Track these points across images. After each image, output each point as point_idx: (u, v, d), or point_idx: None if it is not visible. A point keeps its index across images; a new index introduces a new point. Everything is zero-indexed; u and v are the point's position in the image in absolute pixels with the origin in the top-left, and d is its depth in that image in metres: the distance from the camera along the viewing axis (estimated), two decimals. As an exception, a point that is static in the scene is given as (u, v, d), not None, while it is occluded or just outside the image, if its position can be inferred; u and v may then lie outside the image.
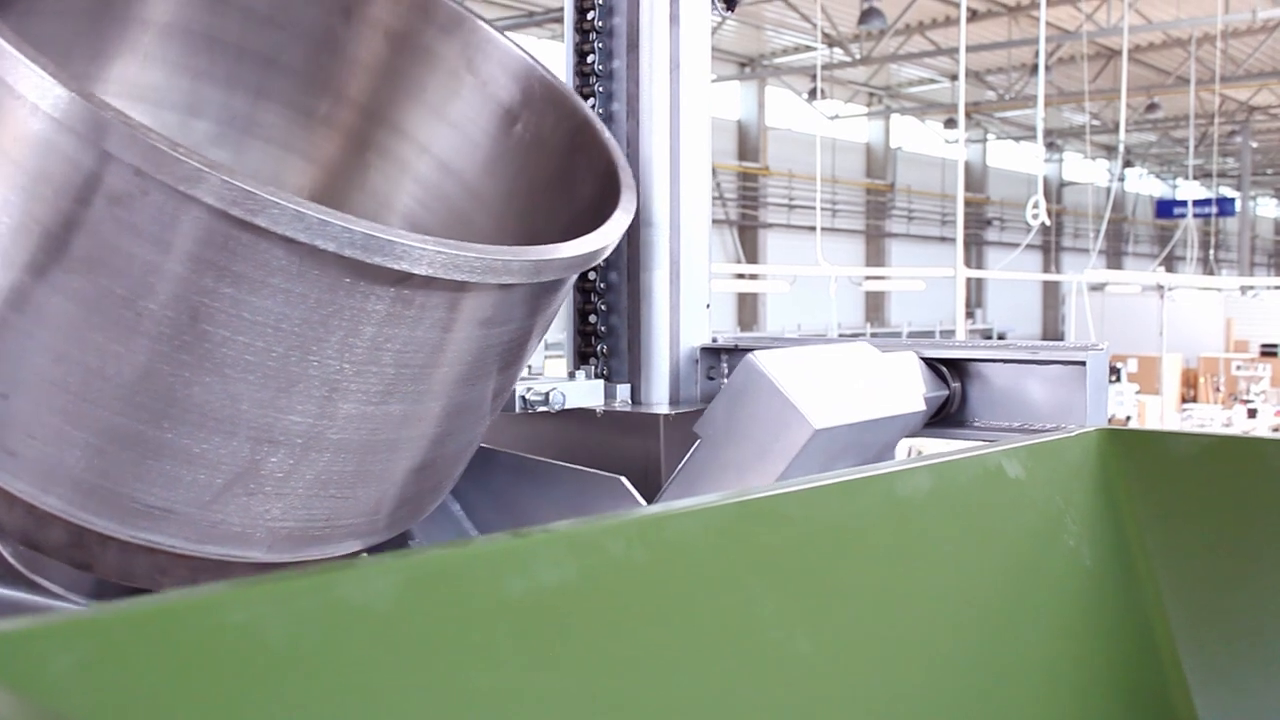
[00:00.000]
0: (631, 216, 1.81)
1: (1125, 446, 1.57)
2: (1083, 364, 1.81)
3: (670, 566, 0.98)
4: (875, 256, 31.86)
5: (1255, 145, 37.15)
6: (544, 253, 1.51)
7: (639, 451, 2.19)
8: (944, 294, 18.64)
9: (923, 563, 1.26)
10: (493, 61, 2.08)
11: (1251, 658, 1.50)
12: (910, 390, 1.86)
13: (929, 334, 30.11)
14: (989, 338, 33.21)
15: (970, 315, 32.72)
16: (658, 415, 2.19)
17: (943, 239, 32.95)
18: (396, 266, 1.30)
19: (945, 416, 1.98)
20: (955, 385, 1.92)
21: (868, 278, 25.28)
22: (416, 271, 1.31)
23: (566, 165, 2.05)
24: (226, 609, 0.69)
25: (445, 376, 1.48)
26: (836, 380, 1.77)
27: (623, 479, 1.90)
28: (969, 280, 24.81)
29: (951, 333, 19.42)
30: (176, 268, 1.25)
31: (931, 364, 1.94)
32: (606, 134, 2.00)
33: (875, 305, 31.99)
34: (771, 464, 1.72)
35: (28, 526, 1.43)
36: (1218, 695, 1.49)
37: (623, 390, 2.29)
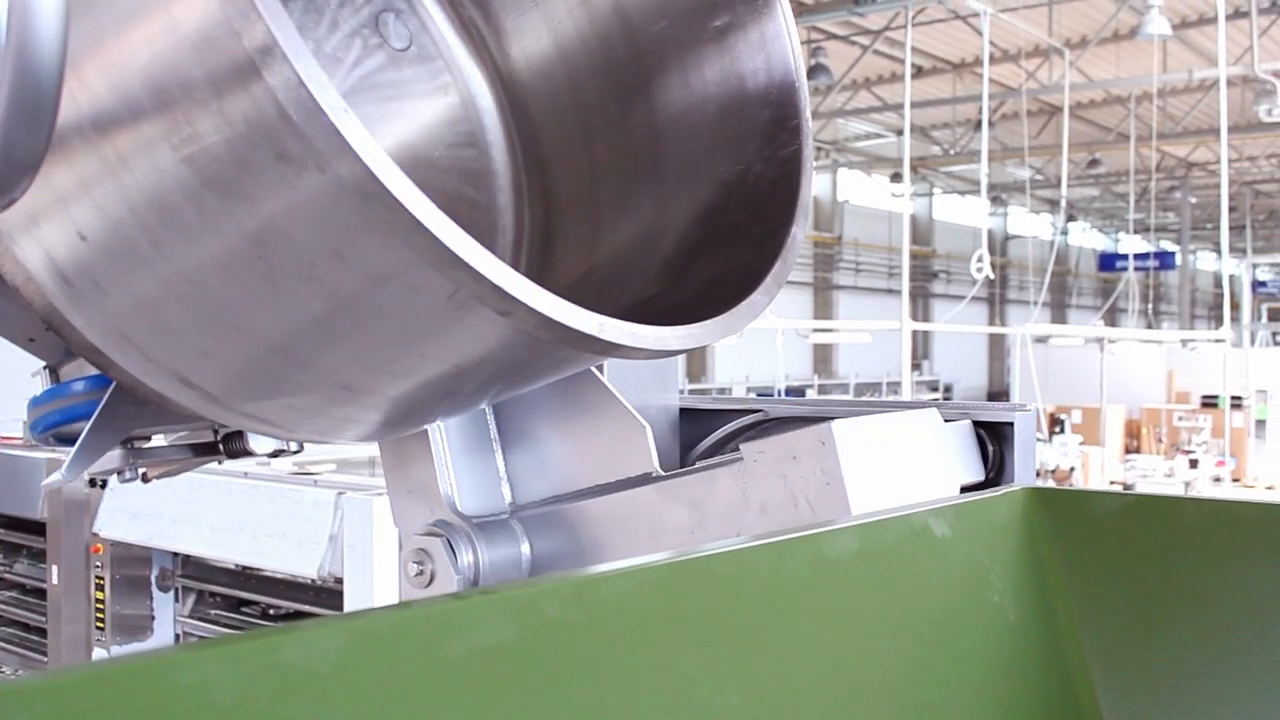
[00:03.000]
0: (770, 300, 1.67)
1: (1049, 505, 1.63)
2: (1010, 424, 1.87)
3: (604, 626, 1.02)
4: (823, 308, 32.16)
5: (1194, 200, 37.87)
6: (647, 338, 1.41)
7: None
8: (892, 346, 18.83)
9: (850, 620, 1.30)
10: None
11: (1173, 713, 1.55)
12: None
13: (876, 385, 30.36)
14: (935, 390, 33.50)
15: (917, 367, 33.03)
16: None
17: (890, 291, 33.29)
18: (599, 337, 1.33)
19: (993, 477, 1.97)
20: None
21: (815, 329, 25.51)
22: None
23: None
24: (176, 671, 0.72)
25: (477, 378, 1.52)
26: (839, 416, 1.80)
27: (648, 429, 1.91)
28: (915, 332, 25.06)
29: (898, 384, 19.62)
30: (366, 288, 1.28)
31: None
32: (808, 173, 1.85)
33: (823, 357, 32.23)
34: None
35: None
36: (1138, 747, 1.54)
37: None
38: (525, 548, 1.96)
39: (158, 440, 2.07)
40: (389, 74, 2.09)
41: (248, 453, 2.00)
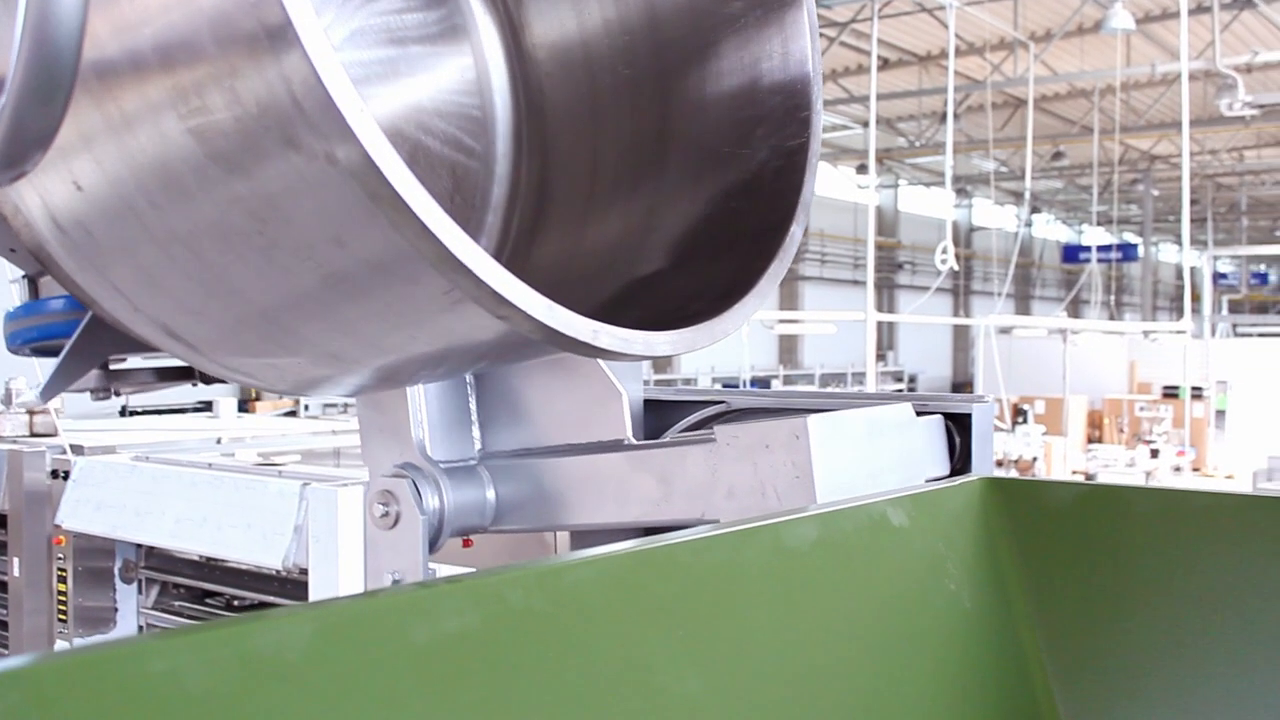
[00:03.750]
0: (762, 303, 1.69)
1: (1004, 494, 1.66)
2: (969, 415, 1.90)
3: (568, 614, 1.04)
4: (789, 299, 32.21)
5: (1156, 193, 38.12)
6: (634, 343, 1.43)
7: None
8: (857, 337, 18.91)
9: (809, 607, 1.33)
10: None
11: (1122, 696, 1.59)
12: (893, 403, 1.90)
13: (841, 376, 30.44)
14: (900, 380, 33.63)
15: (882, 358, 33.15)
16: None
17: (855, 282, 33.41)
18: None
19: (959, 467, 1.99)
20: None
21: (780, 320, 25.54)
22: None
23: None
24: (148, 658, 0.74)
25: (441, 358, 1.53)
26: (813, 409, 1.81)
27: (625, 395, 1.93)
28: (880, 323, 25.16)
29: (863, 375, 19.71)
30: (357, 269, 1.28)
31: None
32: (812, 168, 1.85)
33: (788, 348, 32.31)
34: None
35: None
36: (1090, 731, 1.58)
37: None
38: (490, 494, 1.98)
39: (134, 361, 2.06)
40: (403, 17, 2.09)
41: (222, 380, 2.01)
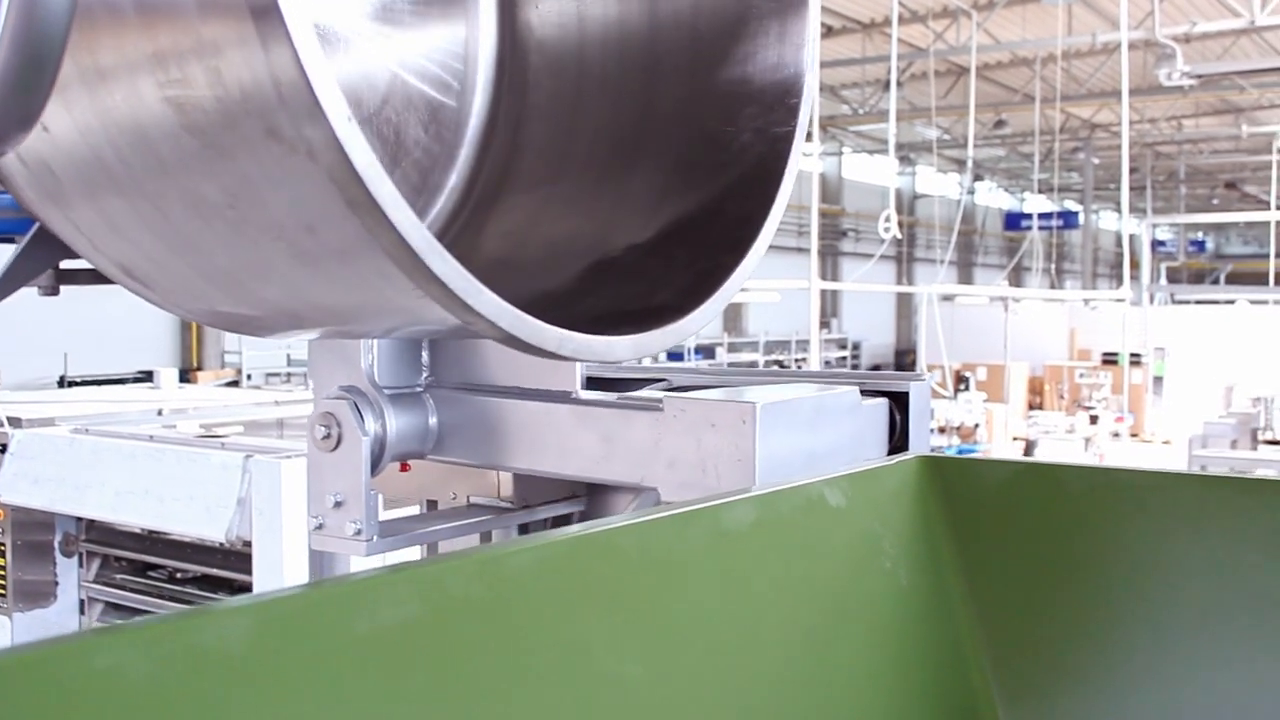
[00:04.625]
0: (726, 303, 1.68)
1: (940, 473, 1.69)
2: (906, 394, 1.93)
3: (508, 601, 1.05)
4: (734, 267, 32.18)
5: (1097, 161, 38.51)
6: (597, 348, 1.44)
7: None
8: (801, 304, 18.99)
9: (747, 589, 1.35)
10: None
11: (1055, 671, 1.63)
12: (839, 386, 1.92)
13: (785, 343, 30.59)
14: (844, 348, 33.82)
15: (826, 325, 33.33)
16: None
17: (799, 250, 33.50)
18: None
19: (897, 445, 2.01)
20: None
21: (726, 288, 25.53)
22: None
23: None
24: (92, 654, 0.75)
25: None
26: (766, 390, 1.82)
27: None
28: (824, 291, 25.27)
29: (807, 343, 19.82)
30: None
31: None
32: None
33: (733, 315, 32.39)
34: None
35: None
36: (1023, 707, 1.62)
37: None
38: (434, 421, 1.99)
39: (84, 263, 2.04)
40: None
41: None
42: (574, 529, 1.16)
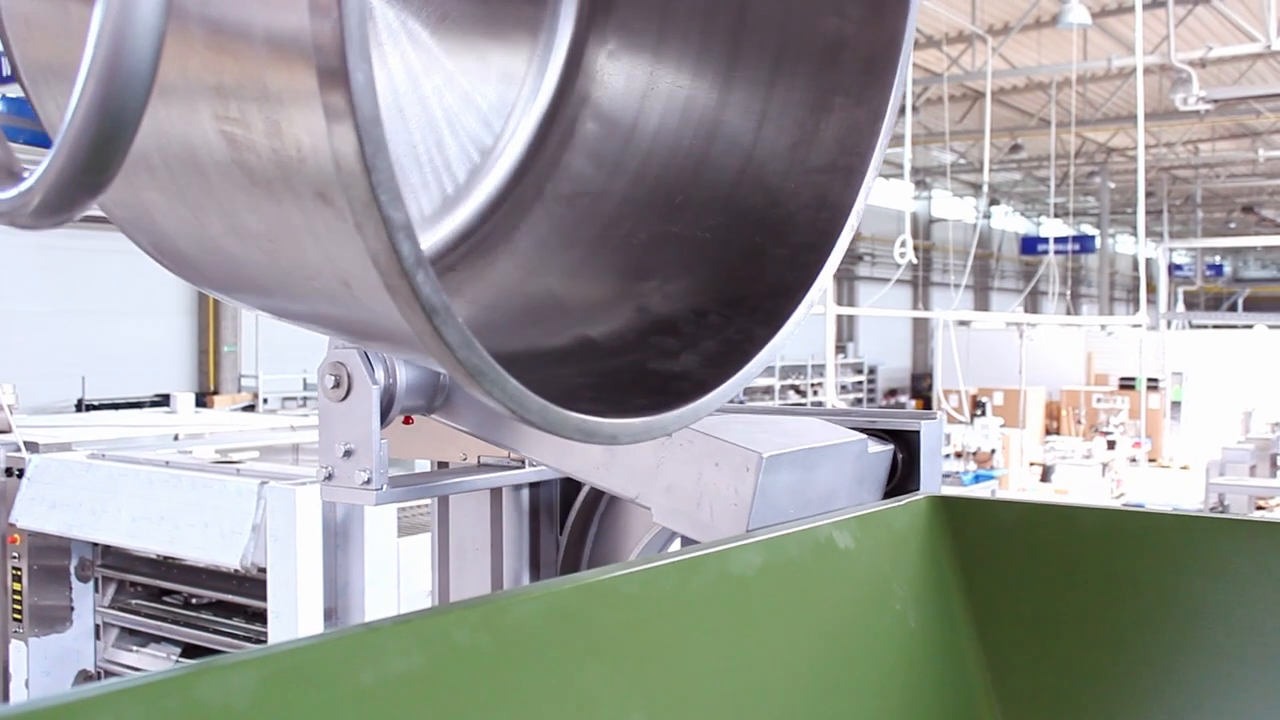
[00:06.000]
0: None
1: (951, 513, 1.69)
2: (917, 433, 1.93)
3: (513, 650, 1.05)
4: (749, 290, 32.18)
5: (1113, 185, 38.44)
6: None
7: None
8: (816, 329, 18.98)
9: (754, 634, 1.35)
10: None
11: (1064, 714, 1.62)
12: (846, 433, 1.89)
13: (801, 368, 30.56)
14: (860, 372, 33.77)
15: (842, 349, 33.28)
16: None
17: (815, 274, 33.40)
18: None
19: (898, 484, 1.98)
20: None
21: (742, 312, 25.53)
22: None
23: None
24: (94, 713, 0.75)
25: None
26: (773, 430, 1.81)
27: None
28: (840, 315, 25.25)
29: (823, 367, 19.79)
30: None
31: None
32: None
33: (749, 338, 32.30)
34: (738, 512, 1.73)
35: None
36: (1032, 748, 1.61)
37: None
38: (444, 378, 1.99)
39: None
40: None
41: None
42: (578, 576, 1.16)
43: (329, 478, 1.90)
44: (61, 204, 1.01)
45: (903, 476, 1.92)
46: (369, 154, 1.02)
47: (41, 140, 1.29)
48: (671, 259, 1.87)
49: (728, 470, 1.71)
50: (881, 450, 1.91)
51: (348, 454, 1.88)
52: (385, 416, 1.92)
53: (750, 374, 1.51)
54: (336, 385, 1.90)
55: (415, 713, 0.95)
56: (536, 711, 1.06)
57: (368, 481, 1.86)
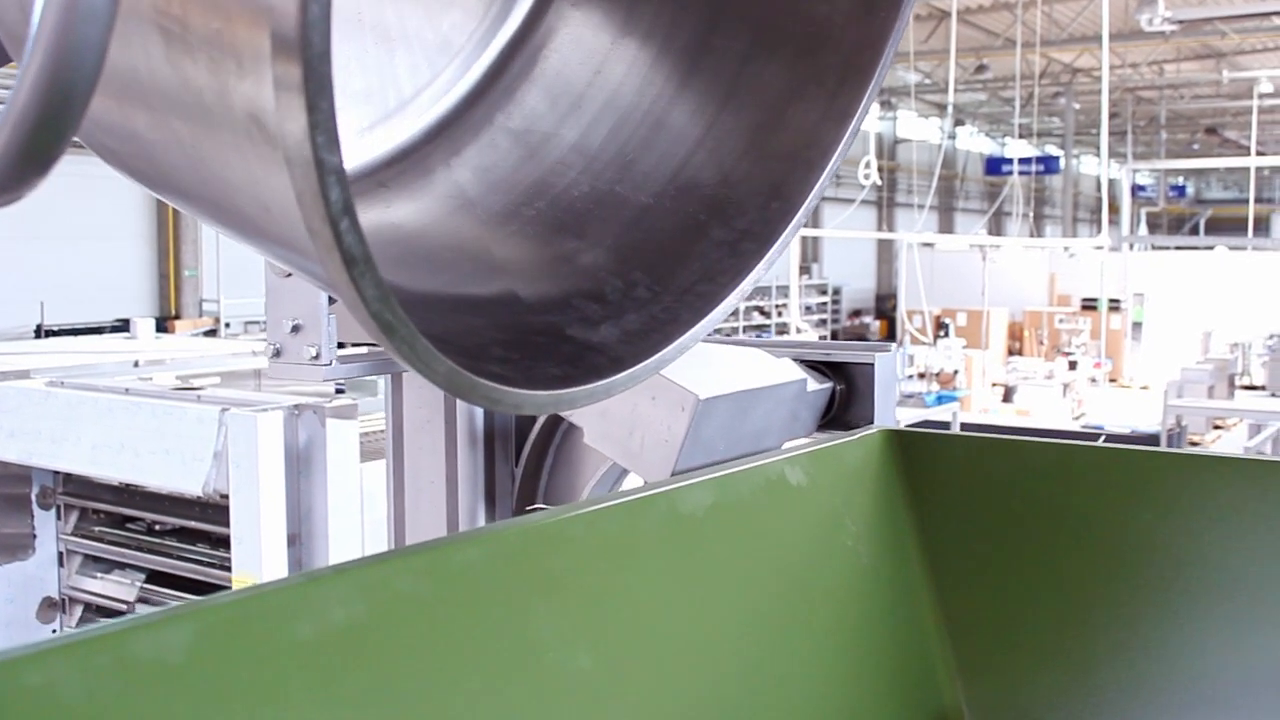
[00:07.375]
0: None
1: (903, 447, 1.69)
2: (871, 365, 1.93)
3: (456, 596, 1.05)
4: (715, 212, 32.06)
5: (1078, 106, 38.38)
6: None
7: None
8: (780, 251, 18.92)
9: (705, 573, 1.35)
10: None
11: (1016, 648, 1.63)
12: (788, 369, 1.87)
13: (766, 289, 30.58)
14: (824, 293, 33.83)
15: (806, 271, 33.31)
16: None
17: (781, 195, 33.31)
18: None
19: (834, 417, 1.96)
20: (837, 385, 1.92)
21: (707, 234, 25.45)
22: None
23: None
24: (23, 671, 0.74)
25: None
26: (713, 365, 1.78)
27: None
28: (805, 236, 25.22)
29: (786, 288, 19.79)
30: None
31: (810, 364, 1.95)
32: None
33: (715, 260, 32.26)
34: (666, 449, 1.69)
35: None
36: (984, 684, 1.62)
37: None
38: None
39: None
40: None
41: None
42: (523, 519, 1.15)
43: (277, 354, 1.86)
44: (10, 180, 0.99)
45: (840, 409, 1.92)
46: (311, 92, 0.99)
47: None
48: (609, 219, 1.83)
49: (664, 406, 1.69)
50: (820, 388, 1.90)
51: (295, 329, 1.83)
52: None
53: (667, 359, 1.46)
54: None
55: (357, 663, 0.94)
56: (482, 658, 1.05)
57: (316, 357, 1.82)
